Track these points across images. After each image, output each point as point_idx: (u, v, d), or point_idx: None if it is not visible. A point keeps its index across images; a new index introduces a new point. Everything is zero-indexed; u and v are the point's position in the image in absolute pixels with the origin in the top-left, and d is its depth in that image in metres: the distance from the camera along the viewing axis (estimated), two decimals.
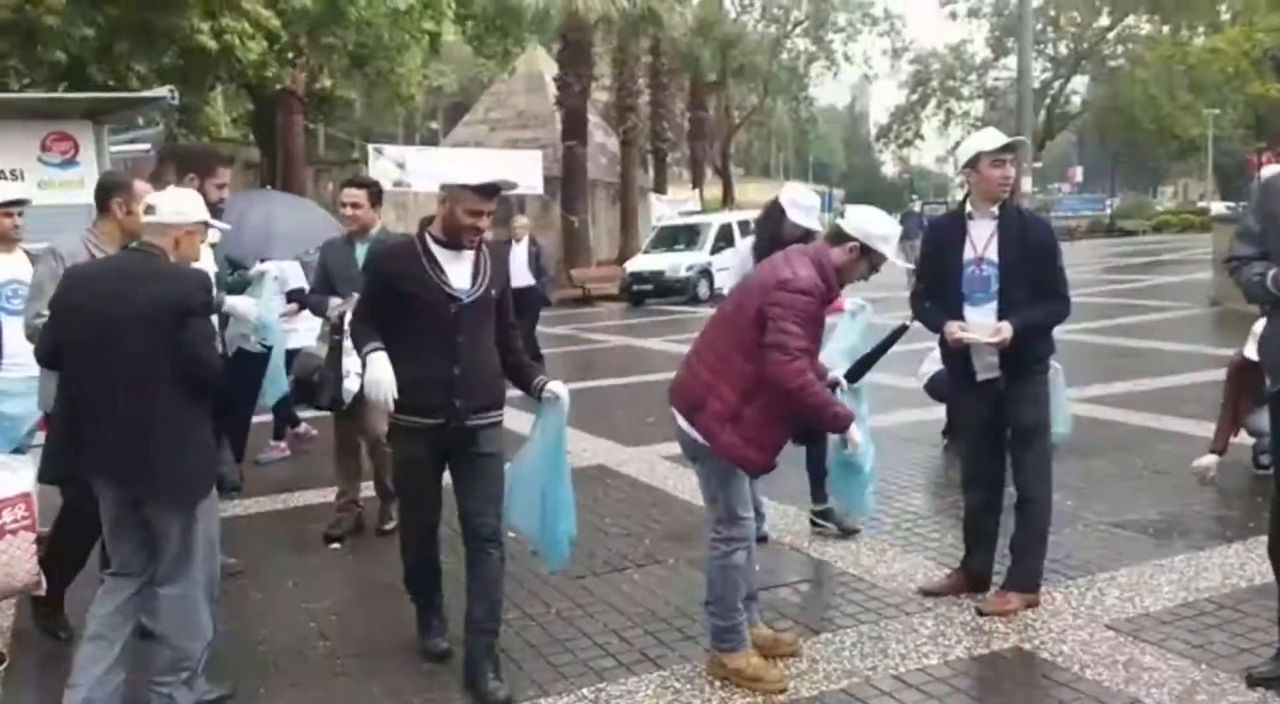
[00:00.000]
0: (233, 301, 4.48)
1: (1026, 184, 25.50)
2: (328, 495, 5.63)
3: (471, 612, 3.47)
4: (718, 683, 3.42)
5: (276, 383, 5.08)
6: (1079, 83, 50.94)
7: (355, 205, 5.02)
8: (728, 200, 41.02)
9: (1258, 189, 3.59)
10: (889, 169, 75.01)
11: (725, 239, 21.35)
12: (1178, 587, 4.12)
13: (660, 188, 32.41)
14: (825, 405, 3.28)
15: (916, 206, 25.12)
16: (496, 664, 3.44)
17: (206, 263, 4.28)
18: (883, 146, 57.66)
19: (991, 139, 3.96)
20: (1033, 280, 3.88)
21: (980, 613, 3.88)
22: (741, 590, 3.46)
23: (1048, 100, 46.76)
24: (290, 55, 17.17)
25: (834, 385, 3.58)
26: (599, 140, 29.61)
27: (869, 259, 3.42)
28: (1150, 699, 3.21)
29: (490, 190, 3.37)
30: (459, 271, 3.41)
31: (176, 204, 3.32)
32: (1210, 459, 5.40)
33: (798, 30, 44.23)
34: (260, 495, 6.16)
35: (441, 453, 3.48)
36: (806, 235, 4.20)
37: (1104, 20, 45.98)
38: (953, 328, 3.88)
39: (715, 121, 41.18)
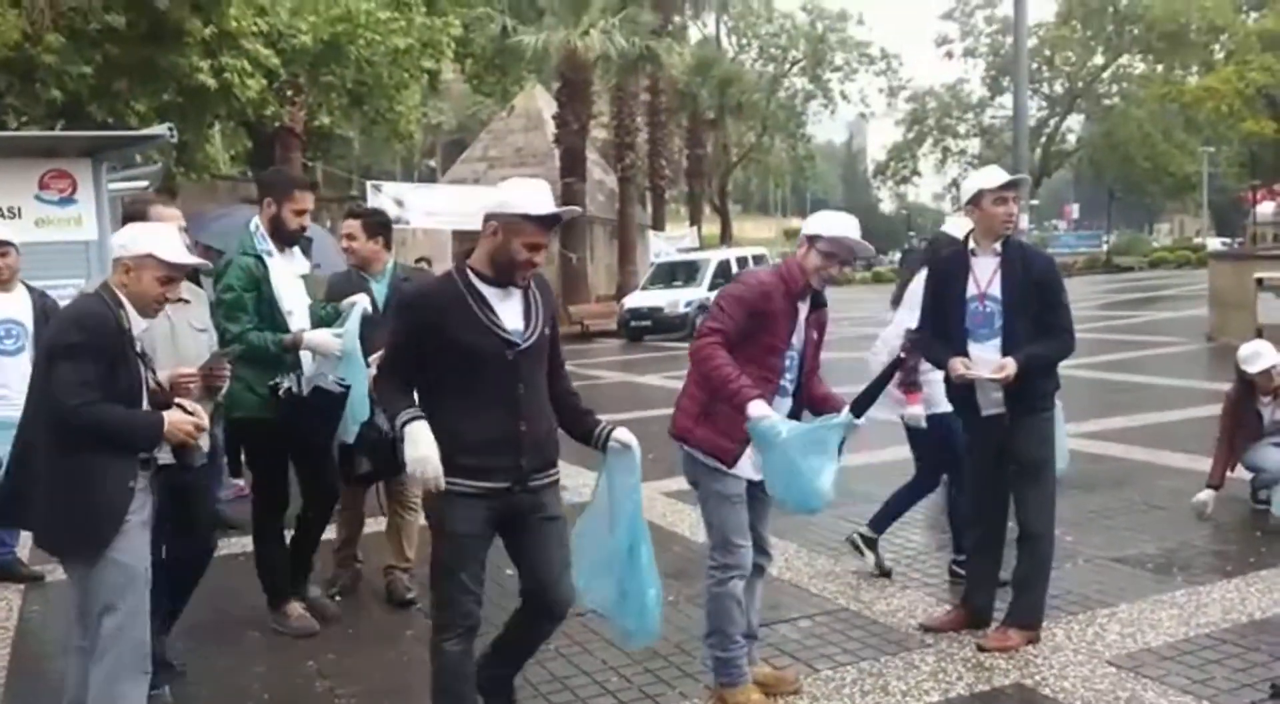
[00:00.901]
0: (311, 336, 4.17)
1: (1024, 221, 25.71)
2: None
3: (503, 657, 3.23)
4: None
5: (359, 416, 4.46)
6: (1074, 121, 51.52)
7: (350, 237, 4.64)
8: (725, 237, 41.27)
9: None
10: (886, 206, 75.40)
11: (723, 275, 21.43)
12: (1178, 622, 4.09)
13: (658, 224, 32.63)
14: (725, 381, 3.22)
15: (915, 242, 25.28)
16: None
17: (293, 296, 4.23)
18: (880, 183, 58.04)
19: (994, 177, 3.97)
20: (1036, 316, 3.89)
21: (981, 649, 3.84)
22: (739, 621, 3.42)
23: (1043, 138, 47.17)
24: (289, 93, 17.32)
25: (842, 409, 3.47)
26: (597, 177, 29.85)
27: (816, 248, 3.43)
28: None
29: (553, 221, 2.96)
30: (510, 312, 2.97)
31: (125, 234, 3.12)
32: (1207, 494, 5.40)
33: (795, 69, 44.79)
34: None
35: (497, 523, 3.01)
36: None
37: (1098, 59, 46.52)
38: (956, 365, 3.87)
39: (713, 159, 41.53)
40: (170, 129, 8.22)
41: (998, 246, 3.94)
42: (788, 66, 44.57)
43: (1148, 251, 46.61)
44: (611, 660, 3.96)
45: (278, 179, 4.56)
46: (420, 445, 2.82)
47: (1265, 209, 42.76)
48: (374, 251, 4.67)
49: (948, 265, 4.11)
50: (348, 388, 4.21)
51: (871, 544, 4.88)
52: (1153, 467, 6.83)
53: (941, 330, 4.03)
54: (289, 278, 4.26)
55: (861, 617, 4.30)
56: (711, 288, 21.21)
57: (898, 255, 36.76)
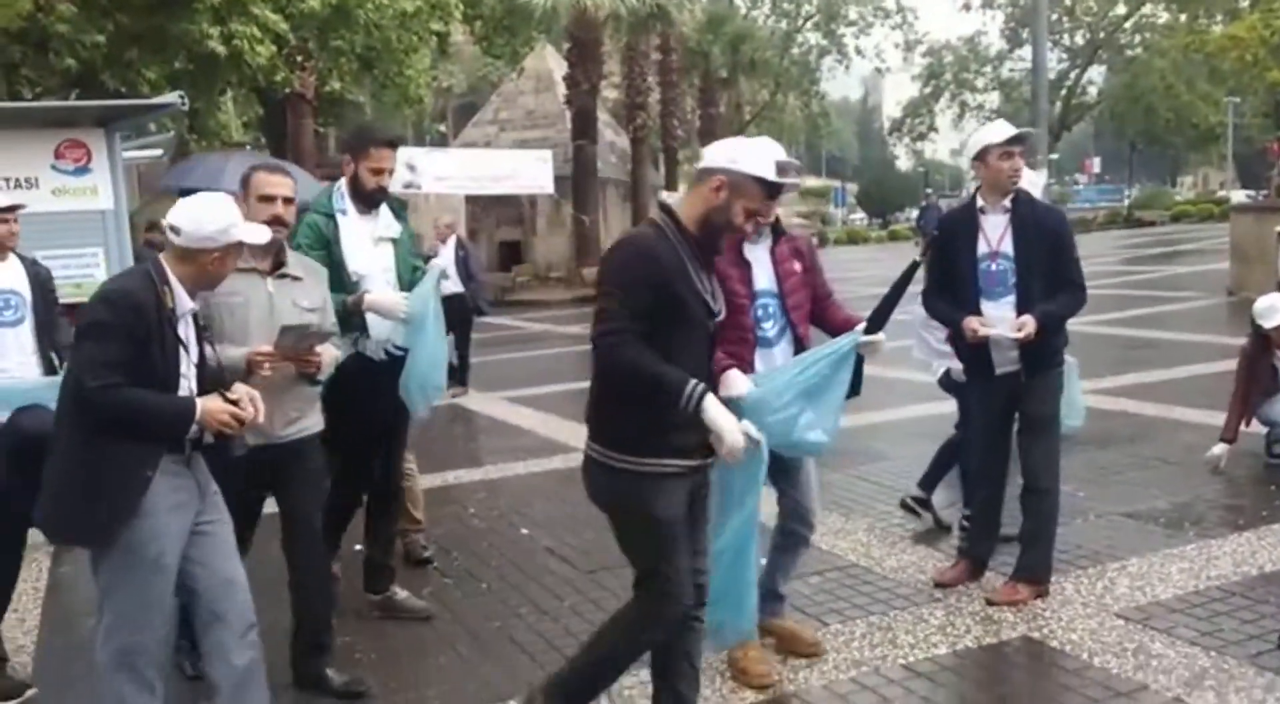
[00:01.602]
0: (373, 297, 3.82)
1: (1043, 176, 25.39)
2: None
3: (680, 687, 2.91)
4: (723, 674, 3.44)
5: (433, 386, 3.97)
6: (1096, 73, 50.56)
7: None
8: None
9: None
10: (903, 163, 74.65)
11: None
12: (1188, 575, 4.12)
13: (671, 185, 32.40)
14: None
15: (932, 199, 25.05)
16: None
17: (368, 259, 3.87)
18: (896, 141, 57.39)
19: (999, 131, 3.94)
20: (1048, 272, 3.87)
21: (990, 603, 3.88)
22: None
23: (1064, 91, 46.43)
24: (299, 59, 17.25)
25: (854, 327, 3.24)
26: (609, 139, 29.65)
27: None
28: (1158, 686, 3.22)
29: (778, 190, 2.73)
30: (705, 280, 2.72)
31: (220, 218, 2.80)
32: (1221, 448, 5.39)
33: (808, 25, 44.11)
34: None
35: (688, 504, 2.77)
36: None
37: (1120, 9, 45.62)
38: (972, 323, 3.85)
39: (726, 118, 41.11)
40: (181, 97, 8.23)
41: (1007, 203, 3.91)
42: (801, 22, 43.90)
43: (1170, 205, 46.00)
44: None
45: (355, 136, 4.15)
46: (729, 418, 2.59)
47: None
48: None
49: (956, 224, 4.08)
50: (399, 356, 3.89)
51: (925, 504, 4.95)
52: (1167, 422, 6.82)
53: (951, 289, 4.01)
54: (364, 240, 3.95)
55: (872, 573, 4.35)
56: None
57: (915, 212, 36.53)
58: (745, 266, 3.33)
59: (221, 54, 13.20)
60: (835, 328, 3.44)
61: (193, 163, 14.40)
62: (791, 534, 3.58)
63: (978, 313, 3.89)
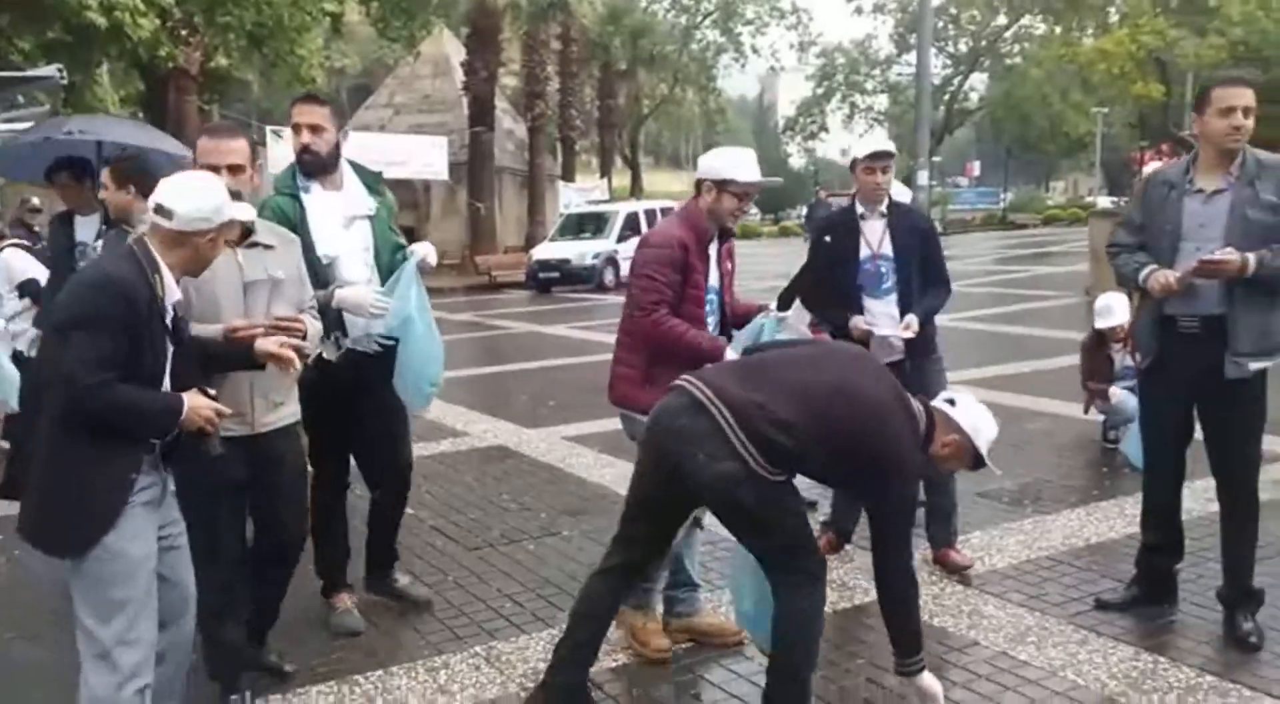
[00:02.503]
0: (345, 293, 3.53)
1: (924, 177, 26.37)
2: None
3: None
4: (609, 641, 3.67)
5: (429, 378, 3.75)
6: (979, 80, 52.64)
7: (103, 186, 4.06)
8: (636, 189, 41.36)
9: (1139, 183, 3.96)
10: (795, 161, 76.15)
11: (632, 227, 21.62)
12: (1023, 546, 4.53)
13: (568, 175, 32.54)
14: (692, 343, 3.34)
15: (821, 196, 25.65)
16: None
17: (339, 240, 3.62)
18: (789, 139, 58.58)
19: (864, 146, 4.26)
20: (920, 270, 4.25)
21: (961, 569, 4.20)
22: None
23: (947, 96, 48.16)
24: (184, 33, 16.78)
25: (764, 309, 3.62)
26: (507, 127, 29.57)
27: (729, 191, 3.43)
28: (987, 642, 3.58)
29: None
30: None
31: (213, 199, 2.62)
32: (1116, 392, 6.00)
33: (707, 21, 44.70)
34: None
35: None
36: None
37: (1001, 19, 47.54)
38: (860, 322, 4.15)
39: (624, 110, 41.42)
40: (60, 70, 8.04)
41: (883, 209, 4.25)
42: (700, 18, 44.51)
43: (1042, 209, 48.28)
44: (506, 590, 4.22)
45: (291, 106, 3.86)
46: None
47: (1150, 170, 44.54)
48: (127, 201, 4.04)
49: (838, 227, 4.38)
50: (390, 346, 3.65)
51: None
52: (1022, 410, 7.33)
53: (833, 289, 4.29)
54: (333, 219, 3.65)
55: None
56: (620, 240, 21.39)
57: (804, 210, 37.43)
58: (708, 261, 3.54)
59: (101, 25, 12.80)
60: (736, 318, 3.68)
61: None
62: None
63: (860, 310, 4.21)
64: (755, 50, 45.49)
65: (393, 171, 23.59)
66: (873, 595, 3.93)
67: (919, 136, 22.43)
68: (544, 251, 22.27)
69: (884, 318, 4.19)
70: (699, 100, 47.45)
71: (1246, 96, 3.43)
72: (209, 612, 3.01)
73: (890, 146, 4.28)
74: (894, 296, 4.21)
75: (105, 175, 4.17)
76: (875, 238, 4.24)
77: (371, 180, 3.83)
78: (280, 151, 23.15)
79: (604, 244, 21.66)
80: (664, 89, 45.36)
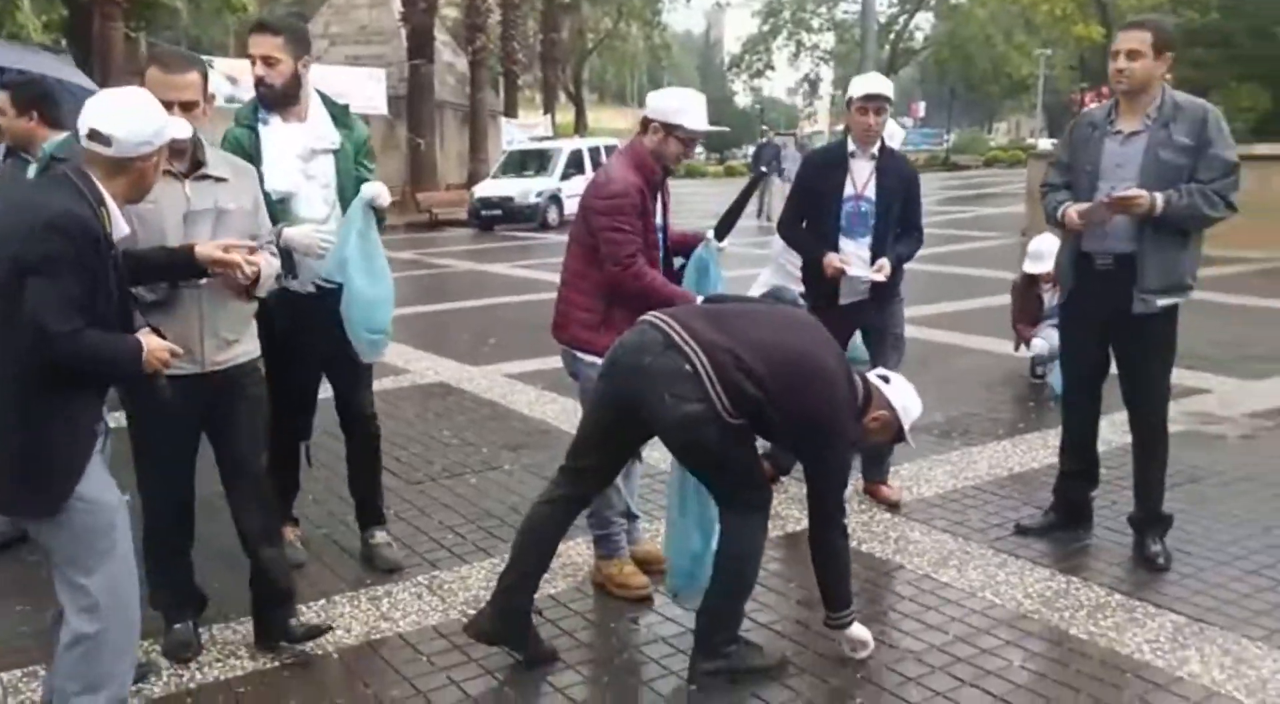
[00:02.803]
0: (291, 232, 3.40)
1: (900, 132, 26.43)
2: None
3: None
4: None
5: (372, 325, 3.55)
6: (924, 19, 52.59)
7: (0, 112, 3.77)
8: (580, 126, 40.89)
9: (1070, 124, 4.05)
10: (741, 99, 75.75)
11: (575, 165, 21.45)
12: (949, 476, 4.71)
13: (511, 111, 32.05)
14: (669, 295, 3.37)
15: (770, 136, 25.46)
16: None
17: (295, 174, 3.50)
18: (735, 76, 58.20)
19: (857, 86, 4.20)
20: (899, 217, 4.27)
21: (891, 503, 4.34)
22: (616, 503, 3.60)
23: (893, 35, 48.10)
24: None
25: (703, 240, 3.67)
26: (447, 60, 28.97)
27: (676, 136, 3.44)
28: (911, 565, 3.75)
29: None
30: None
31: (154, 121, 2.51)
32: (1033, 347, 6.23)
33: None
34: None
35: None
36: None
37: None
38: (834, 260, 4.16)
39: (568, 45, 40.75)
40: None
41: (874, 151, 4.23)
42: None
43: (984, 151, 48.77)
44: (448, 522, 4.29)
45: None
46: None
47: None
48: (28, 129, 3.89)
49: (826, 163, 4.34)
50: (330, 288, 3.48)
51: None
52: (954, 347, 7.53)
53: (811, 223, 4.31)
54: (289, 153, 3.51)
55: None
56: (564, 178, 21.22)
57: (751, 149, 37.33)
58: (656, 200, 3.54)
59: None
60: (677, 247, 3.72)
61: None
62: None
63: (836, 247, 4.21)
64: None
65: None
66: (803, 524, 4.09)
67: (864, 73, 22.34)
68: (486, 189, 22.00)
69: (856, 259, 4.21)
70: (643, 35, 46.81)
71: (1130, 40, 3.53)
72: (158, 542, 3.06)
73: (882, 89, 4.20)
74: (869, 239, 4.23)
75: (3, 100, 3.94)
76: (861, 178, 4.23)
77: (339, 112, 3.69)
78: (212, 80, 22.46)
79: (547, 182, 21.47)
80: (608, 23, 44.64)
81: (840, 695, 2.91)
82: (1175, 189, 3.47)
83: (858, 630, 3.07)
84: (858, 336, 4.47)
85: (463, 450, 5.33)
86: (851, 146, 4.25)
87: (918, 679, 2.97)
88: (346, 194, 3.56)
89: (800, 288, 4.92)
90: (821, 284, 4.28)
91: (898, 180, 4.26)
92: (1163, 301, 3.58)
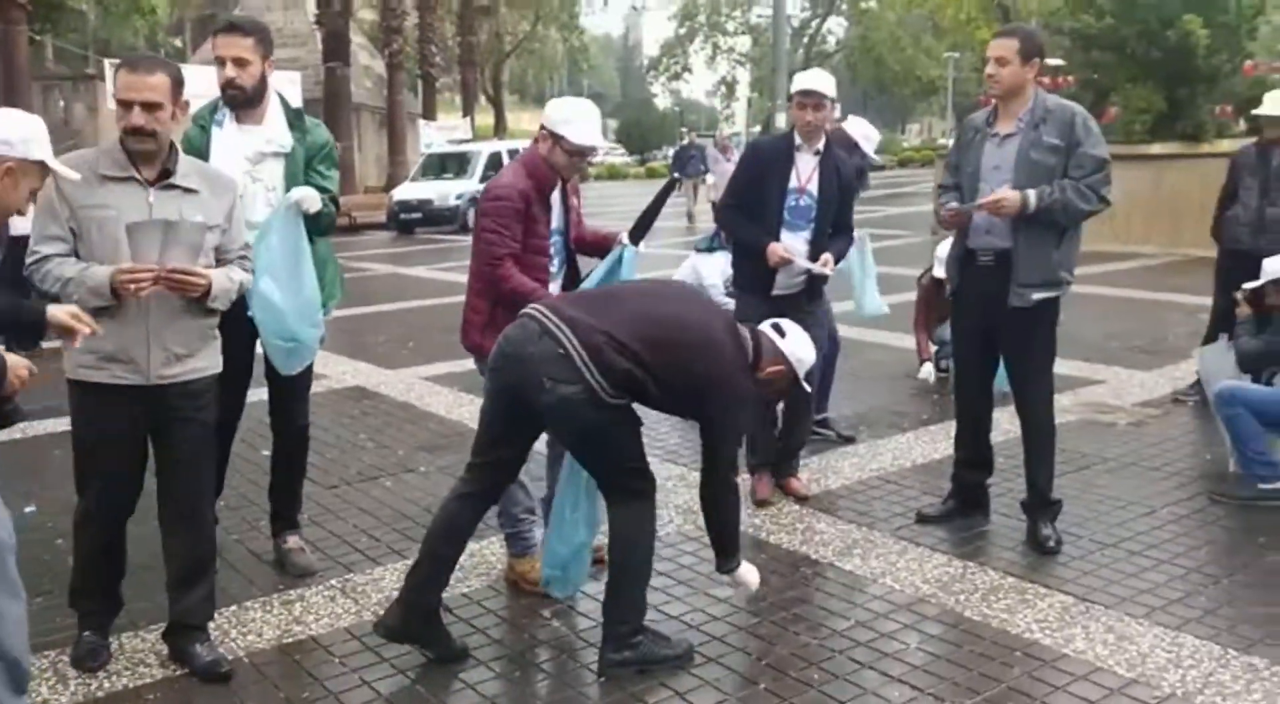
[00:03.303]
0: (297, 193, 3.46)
1: (782, 119, 26.72)
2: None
3: None
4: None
5: (287, 333, 3.48)
6: (836, 23, 53.51)
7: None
8: (499, 128, 40.70)
9: (958, 128, 4.24)
10: (661, 101, 76.14)
11: (495, 167, 21.31)
12: (855, 468, 4.87)
13: (429, 114, 31.77)
14: (529, 293, 3.34)
15: (691, 137, 25.50)
16: None
17: (260, 179, 3.54)
18: (654, 79, 58.51)
19: (797, 82, 4.28)
20: (835, 214, 4.35)
21: (800, 497, 4.46)
22: (522, 501, 3.64)
23: (806, 39, 48.88)
24: None
25: (618, 243, 3.68)
26: (364, 63, 28.64)
27: (561, 146, 3.41)
28: (817, 555, 3.88)
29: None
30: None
31: (20, 127, 2.49)
32: (926, 369, 6.31)
33: None
34: None
35: None
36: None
37: None
38: (778, 249, 4.18)
39: (486, 47, 40.53)
40: None
41: (819, 147, 4.28)
42: None
43: (898, 151, 49.79)
44: (362, 525, 4.30)
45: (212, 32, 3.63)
46: None
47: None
48: None
49: (771, 155, 4.38)
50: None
51: (823, 423, 5.37)
52: (863, 343, 7.73)
53: (751, 213, 4.33)
54: (236, 155, 3.51)
55: None
56: (483, 180, 21.09)
57: (670, 151, 37.57)
58: (549, 208, 3.54)
59: None
60: (591, 246, 3.75)
61: None
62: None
63: (777, 237, 4.24)
64: None
65: None
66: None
67: (777, 78, 22.70)
68: (405, 192, 21.80)
69: (797, 253, 4.25)
70: (561, 39, 46.79)
71: (999, 48, 3.79)
72: (91, 546, 3.05)
73: (818, 86, 4.22)
74: (808, 233, 4.29)
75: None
76: (805, 172, 4.27)
77: (294, 116, 3.68)
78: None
79: (467, 184, 21.31)
80: (525, 27, 44.52)
81: (745, 682, 3.01)
82: (1047, 185, 3.67)
83: (745, 571, 3.21)
84: None
85: (379, 453, 5.32)
86: (797, 141, 4.30)
87: (819, 663, 3.09)
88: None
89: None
90: (758, 273, 4.30)
91: (838, 177, 4.33)
92: (1038, 295, 3.78)
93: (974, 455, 4.21)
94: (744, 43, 52.50)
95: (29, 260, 2.84)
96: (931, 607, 3.45)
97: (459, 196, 20.92)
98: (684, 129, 47.71)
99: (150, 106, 2.82)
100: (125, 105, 2.81)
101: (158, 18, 21.67)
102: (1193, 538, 4.01)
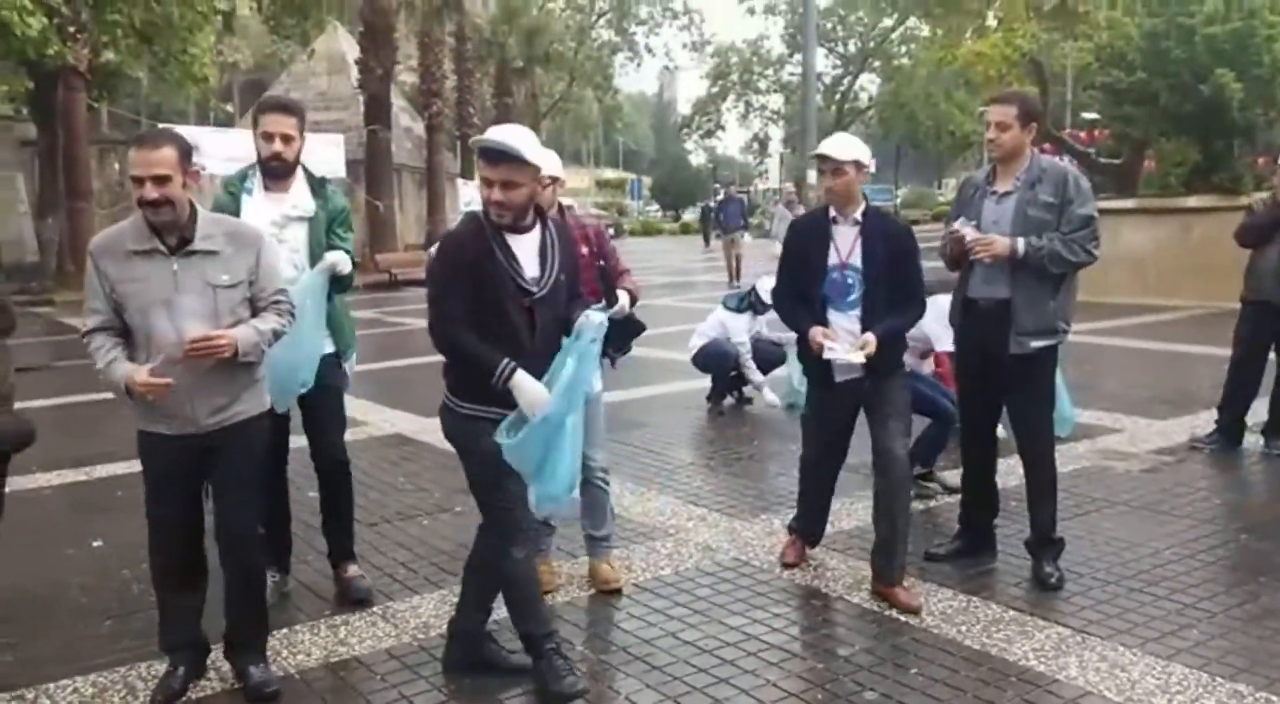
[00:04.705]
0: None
1: (813, 176, 27.03)
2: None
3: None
4: None
5: (292, 382, 3.84)
6: (869, 80, 54.26)
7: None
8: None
9: (959, 186, 4.50)
10: (696, 158, 77.23)
11: None
12: (869, 511, 5.01)
13: (467, 173, 32.50)
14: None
15: (731, 191, 25.39)
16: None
17: (286, 243, 3.80)
18: (687, 136, 59.48)
19: (820, 147, 4.00)
20: (894, 283, 3.95)
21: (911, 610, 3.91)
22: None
23: (838, 96, 49.61)
24: (72, 30, 16.50)
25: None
26: (404, 124, 29.50)
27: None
28: (827, 589, 4.11)
29: (495, 156, 3.13)
30: (527, 256, 3.24)
31: None
32: None
33: (601, 21, 45.14)
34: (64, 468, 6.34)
35: None
36: None
37: (888, 21, 49.16)
38: (817, 335, 3.90)
39: (522, 108, 41.48)
40: None
41: (858, 215, 3.95)
42: (594, 18, 44.97)
43: (933, 205, 50.15)
44: (400, 559, 4.57)
45: (256, 105, 4.04)
46: (534, 391, 3.09)
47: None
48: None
49: (809, 231, 4.09)
50: None
51: (928, 477, 5.38)
52: None
53: (799, 294, 4.07)
54: (265, 219, 3.77)
55: (621, 517, 5.04)
56: None
57: (710, 204, 38.02)
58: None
59: None
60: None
61: None
62: (589, 485, 4.07)
63: (824, 320, 3.96)
64: (650, 50, 46.20)
65: None
66: (732, 554, 4.43)
67: (806, 137, 23.02)
68: None
69: (845, 333, 3.92)
70: (596, 98, 47.85)
71: (998, 113, 4.04)
72: (164, 586, 3.35)
73: (831, 150, 3.93)
74: (858, 310, 3.94)
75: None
76: (845, 245, 3.95)
77: (317, 184, 3.98)
78: None
79: None
80: (561, 87, 45.64)
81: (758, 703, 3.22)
82: (1036, 236, 3.93)
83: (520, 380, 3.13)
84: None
85: (416, 495, 5.62)
86: (833, 211, 4.00)
87: (823, 685, 3.30)
88: (315, 261, 3.89)
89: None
90: (815, 363, 4.01)
91: (885, 244, 3.93)
92: (1035, 343, 4.02)
93: (979, 496, 4.42)
94: (776, 100, 53.32)
95: (82, 333, 3.17)
96: (934, 636, 3.65)
97: None
98: (716, 185, 48.39)
99: (160, 180, 3.04)
100: (138, 181, 3.05)
101: (209, 85, 22.59)
102: (1192, 577, 4.17)
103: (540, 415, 3.08)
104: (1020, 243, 3.92)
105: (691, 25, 47.42)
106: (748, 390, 7.82)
